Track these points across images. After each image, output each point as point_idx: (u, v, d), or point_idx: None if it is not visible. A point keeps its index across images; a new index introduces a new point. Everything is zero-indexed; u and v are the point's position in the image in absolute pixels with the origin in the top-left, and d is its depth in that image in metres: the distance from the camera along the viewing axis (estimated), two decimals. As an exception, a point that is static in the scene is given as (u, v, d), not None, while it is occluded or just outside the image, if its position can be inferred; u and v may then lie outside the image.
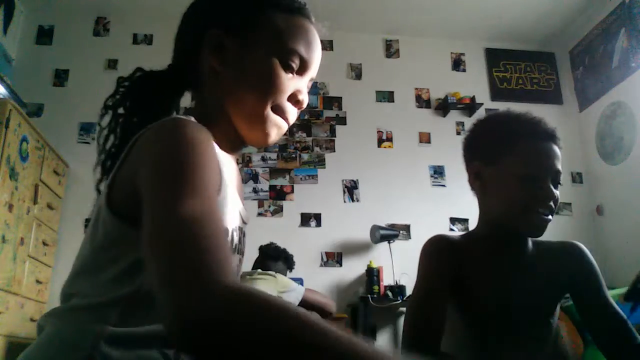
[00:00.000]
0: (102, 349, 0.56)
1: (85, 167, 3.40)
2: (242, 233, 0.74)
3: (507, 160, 1.03)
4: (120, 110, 0.73)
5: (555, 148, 1.03)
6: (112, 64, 3.59)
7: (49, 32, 3.66)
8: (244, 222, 0.75)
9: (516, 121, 1.07)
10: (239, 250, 0.72)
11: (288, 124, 0.74)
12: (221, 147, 0.69)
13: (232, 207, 0.68)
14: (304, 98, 0.74)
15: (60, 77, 3.56)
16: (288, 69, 0.71)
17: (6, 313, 2.37)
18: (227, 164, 0.70)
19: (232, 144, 0.74)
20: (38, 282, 2.75)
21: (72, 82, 3.55)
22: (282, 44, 0.71)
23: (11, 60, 3.40)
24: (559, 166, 1.03)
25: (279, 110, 0.71)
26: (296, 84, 0.73)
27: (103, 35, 3.72)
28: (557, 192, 1.02)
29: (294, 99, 0.73)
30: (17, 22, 3.53)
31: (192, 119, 0.62)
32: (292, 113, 0.73)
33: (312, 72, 0.76)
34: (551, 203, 1.01)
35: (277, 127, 0.72)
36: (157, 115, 0.68)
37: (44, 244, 2.82)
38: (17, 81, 3.21)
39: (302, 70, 0.73)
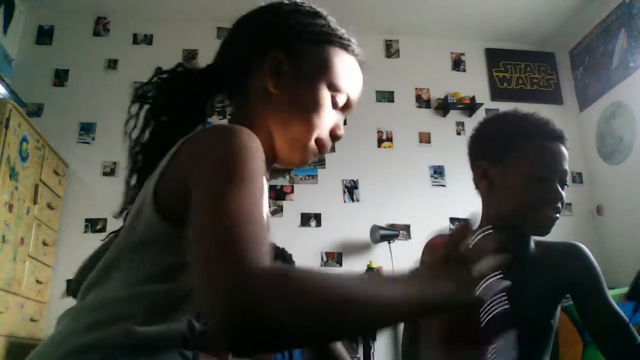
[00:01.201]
0: (117, 355, 0.55)
1: (85, 167, 3.41)
2: None
3: (514, 160, 1.03)
4: (152, 102, 0.74)
5: (563, 149, 1.04)
6: (112, 64, 3.59)
7: (49, 32, 3.66)
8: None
9: (524, 121, 1.07)
10: None
11: (322, 153, 0.77)
12: None
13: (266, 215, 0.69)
14: (342, 133, 0.78)
15: (60, 77, 3.56)
16: (335, 105, 0.75)
17: (6, 313, 2.37)
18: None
19: (267, 163, 0.75)
20: (38, 282, 2.75)
21: (72, 82, 3.55)
22: (336, 82, 0.74)
23: (11, 60, 3.40)
24: (567, 167, 1.03)
25: (319, 142, 0.75)
26: (337, 119, 0.77)
27: (103, 35, 3.72)
28: (564, 193, 1.02)
29: (332, 133, 0.76)
30: (17, 22, 3.53)
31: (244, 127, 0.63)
32: (329, 145, 0.77)
33: (353, 107, 0.80)
34: (558, 203, 1.01)
35: (313, 155, 0.76)
36: (188, 114, 0.72)
37: (44, 244, 2.82)
38: (17, 81, 3.21)
39: (345, 107, 0.77)
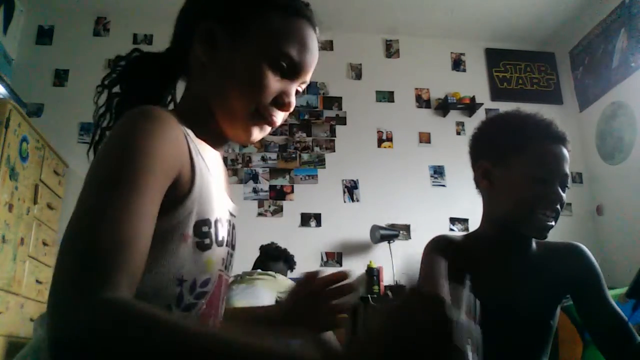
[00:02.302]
0: None
1: (85, 167, 3.39)
2: (230, 225, 0.72)
3: (516, 160, 1.03)
4: (116, 89, 0.73)
5: (565, 151, 1.03)
6: (112, 64, 3.59)
7: (49, 32, 3.66)
8: (232, 215, 0.74)
9: (527, 122, 1.06)
10: (227, 243, 0.70)
11: (273, 125, 0.72)
12: (205, 141, 0.70)
13: (216, 197, 0.67)
14: (290, 101, 0.71)
15: (60, 77, 3.56)
16: (277, 70, 0.68)
17: (6, 313, 2.37)
18: (211, 158, 0.71)
19: (216, 139, 0.73)
20: (38, 282, 2.75)
21: (72, 82, 3.55)
22: (274, 45, 0.68)
23: (11, 60, 3.40)
24: (568, 169, 1.03)
25: (263, 112, 0.69)
26: (284, 86, 0.70)
27: (103, 35, 3.72)
28: (564, 195, 1.02)
29: (279, 101, 0.70)
30: (17, 22, 3.53)
31: (157, 108, 0.61)
32: (277, 115, 0.71)
33: (305, 76, 0.73)
34: (558, 206, 1.01)
35: (259, 128, 0.71)
36: (149, 98, 0.71)
37: (44, 244, 2.82)
38: (17, 81, 3.21)
39: (293, 74, 0.70)
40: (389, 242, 3.36)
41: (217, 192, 0.68)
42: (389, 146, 3.78)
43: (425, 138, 3.83)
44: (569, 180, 1.04)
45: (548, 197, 1.00)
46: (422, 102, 3.93)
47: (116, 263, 0.47)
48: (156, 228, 0.55)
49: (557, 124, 1.06)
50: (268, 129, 0.72)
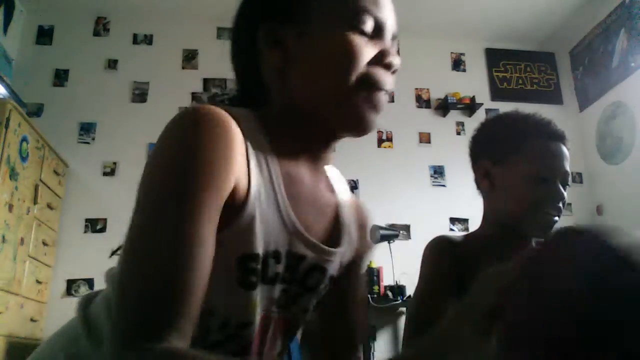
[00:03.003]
0: None
1: (85, 167, 3.41)
2: (294, 260, 0.60)
3: (516, 159, 1.03)
4: None
5: (565, 149, 1.04)
6: (112, 64, 3.59)
7: (49, 32, 3.66)
8: (301, 250, 0.60)
9: (526, 121, 1.07)
10: (284, 279, 0.60)
11: (383, 88, 0.60)
12: (286, 151, 0.60)
13: (272, 223, 0.56)
14: (393, 59, 0.60)
15: (60, 77, 3.56)
16: (362, 33, 0.59)
17: (6, 313, 2.37)
18: (281, 169, 0.59)
19: (311, 150, 0.64)
20: (38, 282, 2.75)
21: (72, 82, 3.55)
22: (346, 8, 0.59)
23: (11, 60, 3.40)
24: (568, 167, 1.03)
25: (368, 81, 0.58)
26: (379, 47, 0.60)
27: (103, 35, 3.72)
28: (565, 193, 1.02)
29: (381, 62, 0.60)
30: (17, 22, 3.53)
31: (214, 107, 0.53)
32: (386, 79, 0.60)
33: (391, 29, 0.63)
34: (559, 204, 1.01)
35: (370, 103, 0.59)
36: None
37: (44, 244, 2.82)
38: (17, 81, 3.21)
39: (378, 31, 0.61)
40: (389, 242, 3.35)
41: (281, 220, 0.57)
42: (389, 146, 3.78)
43: (425, 138, 3.83)
44: (569, 178, 1.04)
45: (549, 195, 1.00)
46: (422, 102, 3.93)
47: (181, 308, 0.45)
48: None
49: (556, 123, 1.06)
50: (381, 102, 0.61)
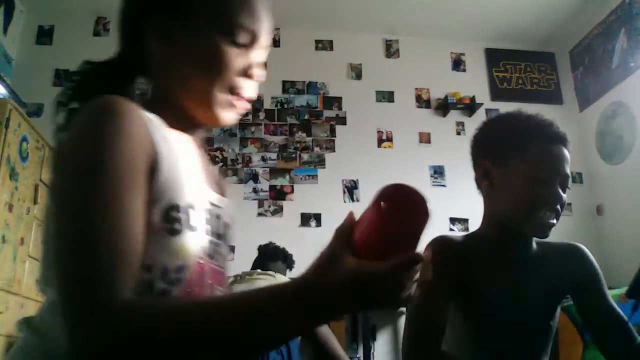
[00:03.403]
0: None
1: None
2: (211, 215, 0.70)
3: (517, 161, 1.03)
4: (74, 105, 0.72)
5: (566, 152, 1.04)
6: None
7: (49, 32, 3.66)
8: (215, 206, 0.72)
9: (527, 122, 1.07)
10: (208, 231, 0.69)
11: (246, 100, 0.71)
12: (174, 127, 0.70)
13: (188, 184, 0.66)
14: (257, 72, 0.71)
15: (60, 77, 3.56)
16: (235, 44, 0.68)
17: (6, 313, 2.37)
18: (180, 141, 0.70)
19: (185, 125, 0.73)
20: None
21: (72, 82, 3.55)
22: (223, 20, 0.68)
23: (11, 60, 3.40)
24: (568, 170, 1.03)
25: (232, 89, 0.69)
26: (247, 59, 0.70)
27: (103, 35, 3.72)
28: (564, 196, 1.02)
29: (247, 74, 0.70)
30: (17, 22, 3.53)
31: (117, 97, 0.60)
32: (249, 89, 0.71)
33: (264, 41, 0.72)
34: (558, 206, 1.01)
35: (230, 107, 0.70)
36: None
37: (44, 244, 2.82)
38: (17, 81, 3.22)
39: (251, 43, 0.70)
40: (389, 242, 3.35)
41: (189, 179, 0.67)
42: (389, 146, 3.78)
43: (425, 138, 3.83)
44: (569, 180, 1.04)
45: (548, 198, 1.01)
46: (422, 102, 3.93)
47: (121, 266, 0.51)
48: None
49: (558, 125, 1.06)
50: (241, 107, 0.72)
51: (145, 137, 0.60)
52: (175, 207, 0.62)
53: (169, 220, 0.61)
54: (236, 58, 0.68)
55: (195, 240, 0.65)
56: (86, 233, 0.51)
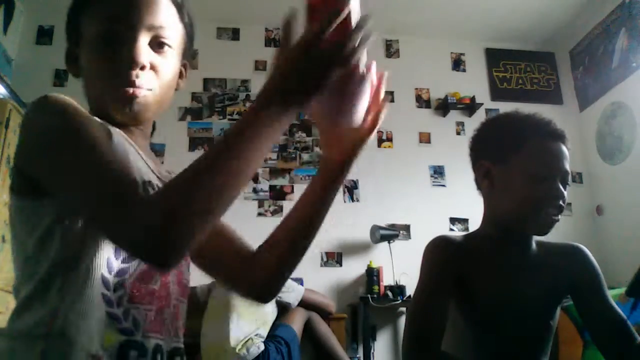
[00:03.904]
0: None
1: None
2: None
3: (517, 159, 1.03)
4: None
5: (565, 149, 1.04)
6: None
7: (49, 32, 3.66)
8: (159, 179, 0.76)
9: (526, 121, 1.07)
10: None
11: (136, 87, 0.70)
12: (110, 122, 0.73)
13: (137, 160, 0.71)
14: (129, 54, 0.68)
15: (60, 77, 3.56)
16: (105, 37, 0.70)
17: (6, 313, 2.37)
18: (117, 130, 0.71)
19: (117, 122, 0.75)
20: (38, 282, 2.75)
21: (72, 82, 3.53)
22: (96, 21, 0.71)
23: (11, 60, 3.40)
24: (568, 167, 1.03)
25: (119, 83, 0.69)
26: (133, 46, 0.69)
27: (103, 35, 3.72)
28: (565, 192, 1.02)
29: (127, 61, 0.69)
30: (17, 22, 3.53)
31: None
32: (128, 75, 0.69)
33: (136, 22, 0.70)
34: (560, 202, 1.01)
35: (123, 95, 0.69)
36: None
37: (44, 244, 2.82)
38: (17, 81, 3.21)
39: (125, 30, 0.70)
40: (389, 242, 3.36)
41: (141, 159, 0.72)
42: (389, 146, 3.78)
43: (425, 138, 3.83)
44: (569, 178, 1.04)
45: (550, 195, 1.01)
46: (422, 102, 3.93)
47: (130, 176, 0.57)
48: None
49: (556, 123, 1.07)
50: (136, 96, 0.70)
51: (88, 114, 0.65)
52: (148, 183, 0.69)
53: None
54: (110, 47, 0.70)
55: None
56: (93, 165, 0.57)
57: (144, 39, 0.70)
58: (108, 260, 0.63)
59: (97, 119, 0.67)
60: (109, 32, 0.70)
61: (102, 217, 0.55)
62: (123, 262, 0.64)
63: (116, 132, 0.68)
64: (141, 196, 0.55)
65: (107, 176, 0.56)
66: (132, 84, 0.69)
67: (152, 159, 0.78)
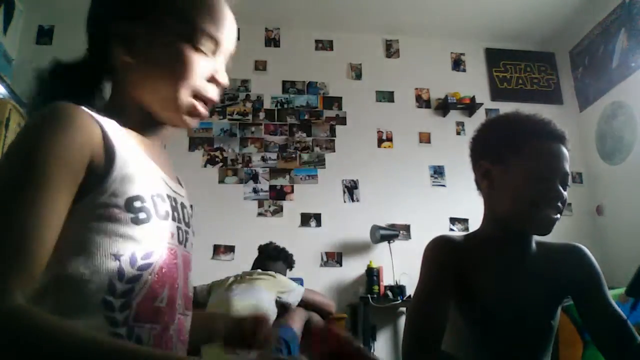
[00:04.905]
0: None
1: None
2: (177, 203, 0.74)
3: (516, 160, 1.03)
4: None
5: (565, 150, 1.04)
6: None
7: (49, 32, 3.66)
8: (177, 194, 0.75)
9: (526, 121, 1.07)
10: (175, 218, 0.72)
11: (209, 104, 0.74)
12: (135, 130, 0.72)
13: (148, 176, 0.69)
14: (221, 78, 0.74)
15: (60, 77, 3.56)
16: (200, 51, 0.71)
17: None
18: (142, 144, 0.72)
19: (146, 127, 0.75)
20: (38, 282, 2.75)
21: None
22: (188, 26, 0.70)
23: (11, 60, 3.40)
24: (568, 168, 1.03)
25: (198, 95, 0.72)
26: (212, 65, 0.73)
27: (103, 35, 3.72)
28: (565, 193, 1.02)
29: (213, 79, 0.73)
30: (17, 22, 3.53)
31: (66, 103, 0.63)
32: (212, 93, 0.74)
33: (227, 48, 0.75)
34: (559, 203, 1.01)
35: (194, 110, 0.72)
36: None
37: (44, 244, 2.82)
38: (17, 81, 3.21)
39: (215, 49, 0.73)
40: (389, 242, 3.36)
41: (148, 172, 0.69)
42: (389, 146, 3.78)
43: (425, 138, 3.83)
44: (569, 179, 1.04)
45: (549, 195, 1.01)
46: (422, 102, 3.93)
47: (11, 269, 0.52)
48: (79, 211, 0.60)
49: (556, 124, 1.07)
50: (205, 111, 0.74)
51: (91, 136, 0.62)
52: (137, 198, 0.65)
53: (132, 210, 0.64)
54: (200, 64, 0.71)
55: (163, 227, 0.68)
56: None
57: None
58: (110, 282, 0.61)
59: (110, 126, 0.65)
60: (206, 38, 0.71)
61: None
62: (127, 282, 0.63)
63: (127, 148, 0.66)
64: (5, 289, 0.50)
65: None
66: (210, 101, 0.73)
67: (164, 160, 0.77)
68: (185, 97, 0.71)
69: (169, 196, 0.72)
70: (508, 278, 1.05)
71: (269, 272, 2.36)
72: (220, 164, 3.59)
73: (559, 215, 1.02)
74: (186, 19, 0.70)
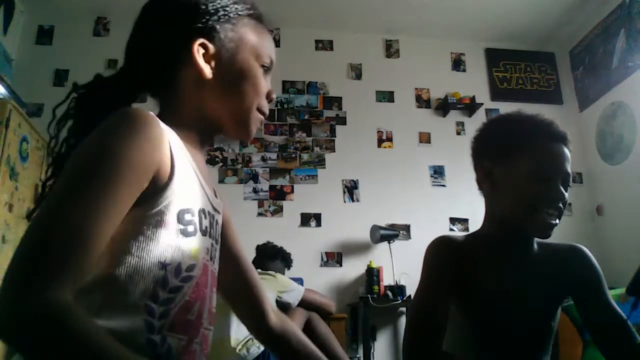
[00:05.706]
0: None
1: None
2: (213, 219, 0.76)
3: (518, 159, 1.03)
4: (73, 120, 0.76)
5: (566, 150, 1.04)
6: (112, 64, 3.59)
7: (49, 32, 3.66)
8: (215, 210, 0.78)
9: (528, 122, 1.07)
10: (211, 235, 0.74)
11: (265, 117, 0.82)
12: (189, 143, 0.74)
13: (200, 191, 0.72)
14: (273, 95, 0.83)
15: (60, 77, 3.56)
16: (264, 71, 0.80)
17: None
18: (197, 158, 0.75)
19: (202, 142, 0.79)
20: (38, 282, 2.75)
21: (72, 82, 3.54)
22: (260, 51, 0.79)
23: (11, 60, 3.40)
24: (569, 168, 1.03)
25: (261, 109, 0.80)
26: (269, 82, 0.81)
27: (103, 35, 3.72)
28: (566, 194, 1.02)
29: (268, 97, 0.81)
30: (17, 22, 3.53)
31: (141, 109, 0.65)
32: (267, 108, 0.82)
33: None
34: (560, 204, 1.01)
35: (259, 123, 0.81)
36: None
37: (44, 244, 2.82)
38: (17, 81, 3.21)
39: (269, 70, 0.82)
40: (389, 242, 3.36)
41: (200, 187, 0.72)
42: (389, 146, 3.78)
43: (425, 138, 3.83)
44: (570, 179, 1.04)
45: (550, 196, 1.00)
46: (422, 102, 3.93)
47: (67, 263, 0.52)
48: (136, 216, 0.61)
49: (558, 124, 1.06)
50: (261, 122, 0.82)
51: (161, 146, 0.64)
52: (188, 211, 0.67)
53: (182, 222, 0.66)
54: (264, 82, 0.80)
55: (202, 242, 0.70)
56: (55, 223, 0.53)
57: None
58: (154, 289, 0.62)
59: (173, 136, 0.68)
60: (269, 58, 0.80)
61: (14, 263, 0.52)
62: (170, 292, 0.64)
63: (185, 161, 0.69)
64: (46, 293, 0.50)
65: (56, 242, 0.53)
66: (265, 112, 0.81)
67: (207, 173, 0.79)
68: (255, 111, 0.78)
69: (209, 212, 0.74)
70: (508, 278, 1.05)
71: (269, 272, 2.36)
72: (220, 164, 3.59)
73: (558, 221, 1.02)
74: (258, 45, 0.79)
